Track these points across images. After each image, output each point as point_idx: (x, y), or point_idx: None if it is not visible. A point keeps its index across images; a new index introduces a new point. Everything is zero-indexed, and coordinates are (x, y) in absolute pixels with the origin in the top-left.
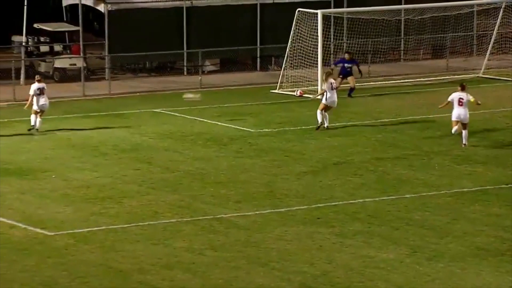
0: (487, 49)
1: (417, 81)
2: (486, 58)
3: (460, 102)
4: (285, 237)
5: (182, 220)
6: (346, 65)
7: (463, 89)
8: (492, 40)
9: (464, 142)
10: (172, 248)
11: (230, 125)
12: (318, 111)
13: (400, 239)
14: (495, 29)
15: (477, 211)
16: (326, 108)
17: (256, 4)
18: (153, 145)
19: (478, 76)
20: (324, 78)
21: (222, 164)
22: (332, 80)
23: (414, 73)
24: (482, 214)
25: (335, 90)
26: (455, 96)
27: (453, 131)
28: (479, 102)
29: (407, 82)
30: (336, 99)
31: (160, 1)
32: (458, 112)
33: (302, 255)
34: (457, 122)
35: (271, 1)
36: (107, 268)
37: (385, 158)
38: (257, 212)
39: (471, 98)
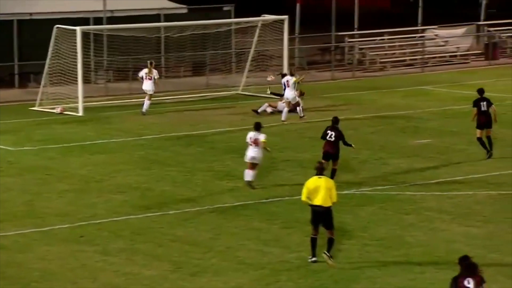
0: (246, 66)
1: (178, 97)
2: (245, 75)
3: (288, 84)
4: (47, 257)
5: None
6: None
7: (291, 75)
8: (250, 57)
9: (283, 119)
10: None
11: None
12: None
13: (164, 255)
14: (252, 47)
15: (239, 226)
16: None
17: (13, 20)
18: None
19: (237, 93)
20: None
21: None
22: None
23: (175, 90)
24: (244, 229)
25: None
26: (284, 80)
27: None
28: (300, 81)
29: (169, 99)
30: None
31: None
32: (285, 94)
33: (65, 274)
34: (288, 102)
35: (29, 17)
36: None
37: (148, 174)
38: (17, 232)
39: (294, 79)
